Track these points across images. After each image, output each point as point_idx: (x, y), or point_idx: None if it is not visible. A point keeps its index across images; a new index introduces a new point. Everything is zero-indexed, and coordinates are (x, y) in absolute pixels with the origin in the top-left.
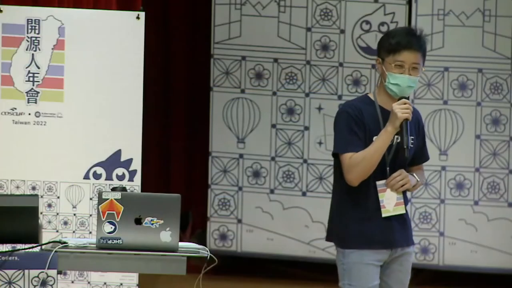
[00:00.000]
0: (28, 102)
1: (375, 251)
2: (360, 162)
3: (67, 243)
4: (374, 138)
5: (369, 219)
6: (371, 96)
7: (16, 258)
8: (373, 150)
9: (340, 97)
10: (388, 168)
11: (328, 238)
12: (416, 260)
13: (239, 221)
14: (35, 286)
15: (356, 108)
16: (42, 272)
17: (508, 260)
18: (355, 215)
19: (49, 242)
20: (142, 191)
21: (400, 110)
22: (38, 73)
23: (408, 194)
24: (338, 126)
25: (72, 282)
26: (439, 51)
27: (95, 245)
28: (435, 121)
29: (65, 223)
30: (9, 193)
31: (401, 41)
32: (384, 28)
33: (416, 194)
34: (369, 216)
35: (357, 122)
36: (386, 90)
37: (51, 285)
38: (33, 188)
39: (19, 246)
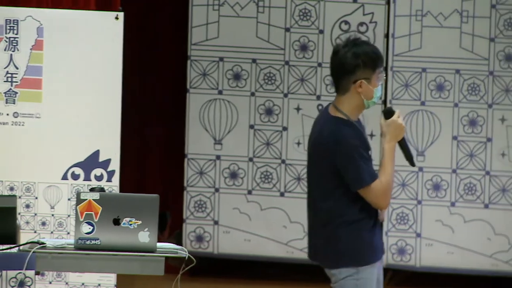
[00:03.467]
0: (6, 103)
1: (379, 261)
2: (390, 184)
3: (45, 243)
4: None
5: (374, 226)
6: (339, 115)
7: None
8: (392, 168)
9: (318, 98)
10: None
11: (329, 263)
12: (393, 261)
13: (216, 222)
14: (12, 286)
15: (358, 136)
16: (20, 273)
17: (484, 261)
18: (363, 226)
19: (27, 243)
20: (120, 191)
21: (403, 123)
22: (16, 74)
23: None
24: (352, 161)
25: (50, 283)
26: (417, 52)
27: (73, 246)
28: (413, 122)
29: (43, 223)
30: None
31: (380, 54)
32: (363, 28)
33: (393, 195)
34: (374, 224)
35: (365, 147)
36: (365, 105)
37: (29, 286)
38: (11, 189)
39: None
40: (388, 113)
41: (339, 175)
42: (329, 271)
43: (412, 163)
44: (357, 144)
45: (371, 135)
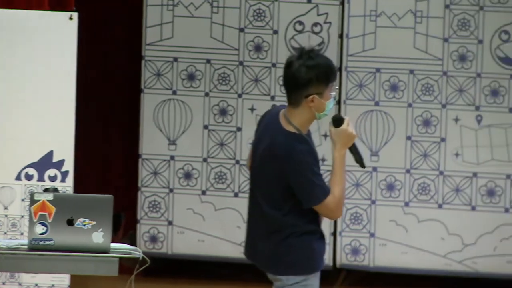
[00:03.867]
0: None
1: None
2: (342, 194)
3: None
4: None
5: (321, 236)
6: (292, 129)
7: None
8: (343, 178)
9: (273, 98)
10: None
11: (278, 270)
12: (346, 261)
13: (170, 223)
14: None
15: (310, 152)
16: None
17: (438, 261)
18: (313, 236)
19: None
20: (74, 192)
21: (353, 131)
22: None
23: None
24: (305, 179)
25: (3, 283)
26: (371, 52)
27: (26, 246)
28: (367, 122)
29: None
30: None
31: (334, 67)
32: (317, 29)
33: (347, 195)
34: (321, 233)
35: (316, 162)
36: (316, 117)
37: None
38: None
39: None
40: (337, 121)
41: (290, 190)
42: (274, 276)
43: (363, 166)
44: (310, 161)
45: (325, 136)
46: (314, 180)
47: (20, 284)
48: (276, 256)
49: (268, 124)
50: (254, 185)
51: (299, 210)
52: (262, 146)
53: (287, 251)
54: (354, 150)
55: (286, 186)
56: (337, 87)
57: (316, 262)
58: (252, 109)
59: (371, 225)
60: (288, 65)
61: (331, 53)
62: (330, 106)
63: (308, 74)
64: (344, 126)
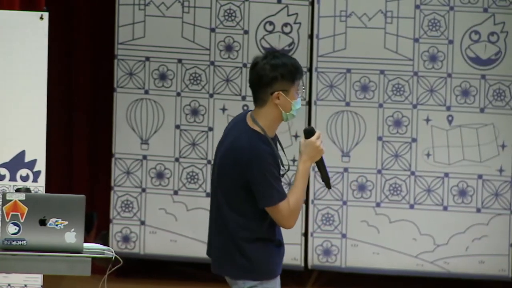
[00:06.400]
0: None
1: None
2: (298, 205)
3: None
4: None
5: (280, 244)
6: (257, 128)
7: None
8: (303, 189)
9: (244, 98)
10: None
11: (231, 272)
12: (318, 262)
13: (142, 222)
14: None
15: (273, 154)
16: None
17: (410, 261)
18: (271, 243)
19: None
20: (46, 192)
21: (321, 145)
22: None
23: (311, 195)
24: (264, 178)
25: None
26: (341, 52)
27: None
28: (338, 123)
29: None
30: None
31: (299, 66)
32: (287, 29)
33: (319, 196)
34: (280, 242)
35: (276, 166)
36: (283, 118)
37: None
38: None
39: None
40: (308, 133)
41: (248, 190)
42: (230, 280)
43: (328, 186)
44: (270, 162)
45: (295, 136)
46: (272, 182)
47: None
48: (229, 256)
49: (235, 124)
50: (215, 183)
51: (257, 216)
52: (225, 143)
53: (238, 253)
54: (321, 166)
55: (246, 186)
56: (303, 88)
57: (272, 269)
58: (223, 109)
59: (343, 226)
60: (253, 66)
61: (301, 54)
62: (297, 106)
63: (273, 72)
64: (313, 138)
